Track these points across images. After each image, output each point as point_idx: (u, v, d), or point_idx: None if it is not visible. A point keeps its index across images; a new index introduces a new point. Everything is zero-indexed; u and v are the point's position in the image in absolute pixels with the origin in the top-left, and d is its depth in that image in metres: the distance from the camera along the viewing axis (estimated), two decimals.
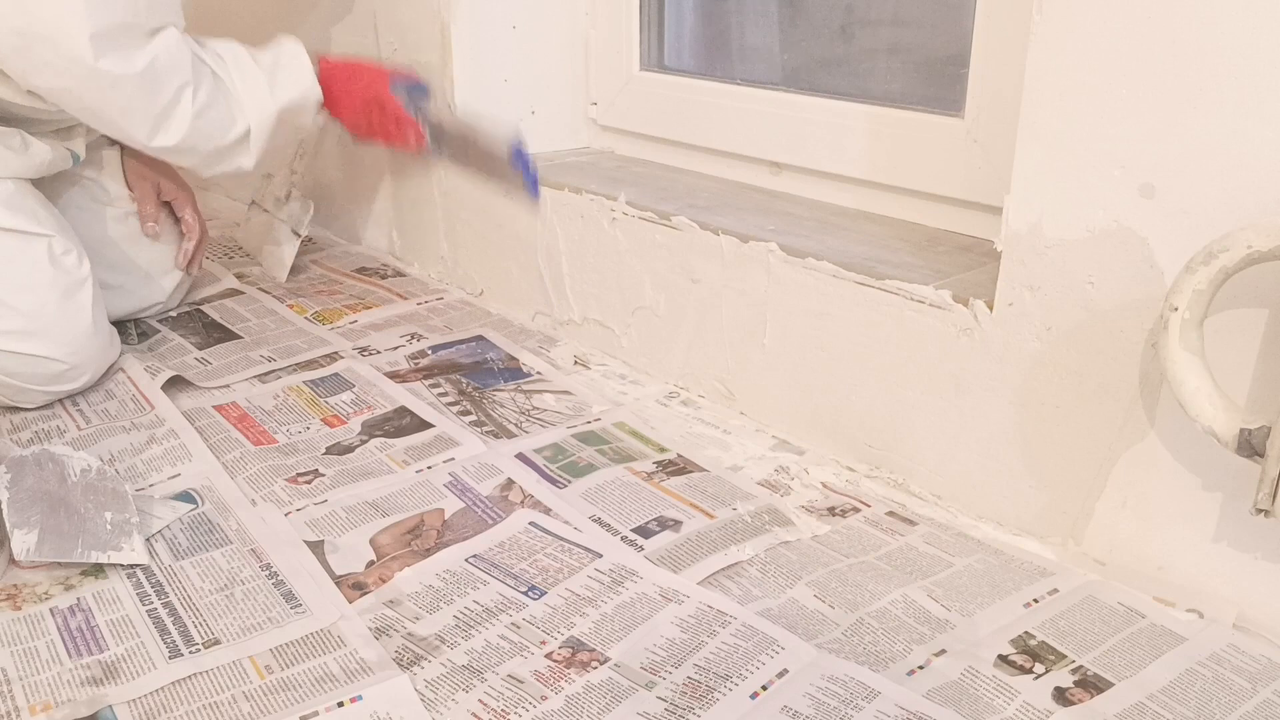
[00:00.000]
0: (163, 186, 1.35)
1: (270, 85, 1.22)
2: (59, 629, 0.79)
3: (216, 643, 0.77)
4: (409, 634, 0.78)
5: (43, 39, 1.03)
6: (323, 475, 1.00)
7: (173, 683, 0.73)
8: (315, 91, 1.27)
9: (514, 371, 1.23)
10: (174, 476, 1.00)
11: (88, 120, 1.15)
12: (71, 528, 0.86)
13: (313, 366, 1.24)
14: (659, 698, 0.72)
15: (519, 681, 0.74)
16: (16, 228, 1.11)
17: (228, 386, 1.19)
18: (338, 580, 0.85)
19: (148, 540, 0.89)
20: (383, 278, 1.54)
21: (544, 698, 0.72)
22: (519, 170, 1.26)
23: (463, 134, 1.32)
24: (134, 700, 0.72)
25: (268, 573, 0.86)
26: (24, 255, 1.11)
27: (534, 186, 1.27)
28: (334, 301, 1.44)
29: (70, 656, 0.76)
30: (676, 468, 1.01)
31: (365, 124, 1.34)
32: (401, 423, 1.11)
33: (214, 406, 1.14)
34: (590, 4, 1.41)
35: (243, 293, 1.48)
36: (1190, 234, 0.74)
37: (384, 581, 0.84)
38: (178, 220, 1.38)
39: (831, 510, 0.95)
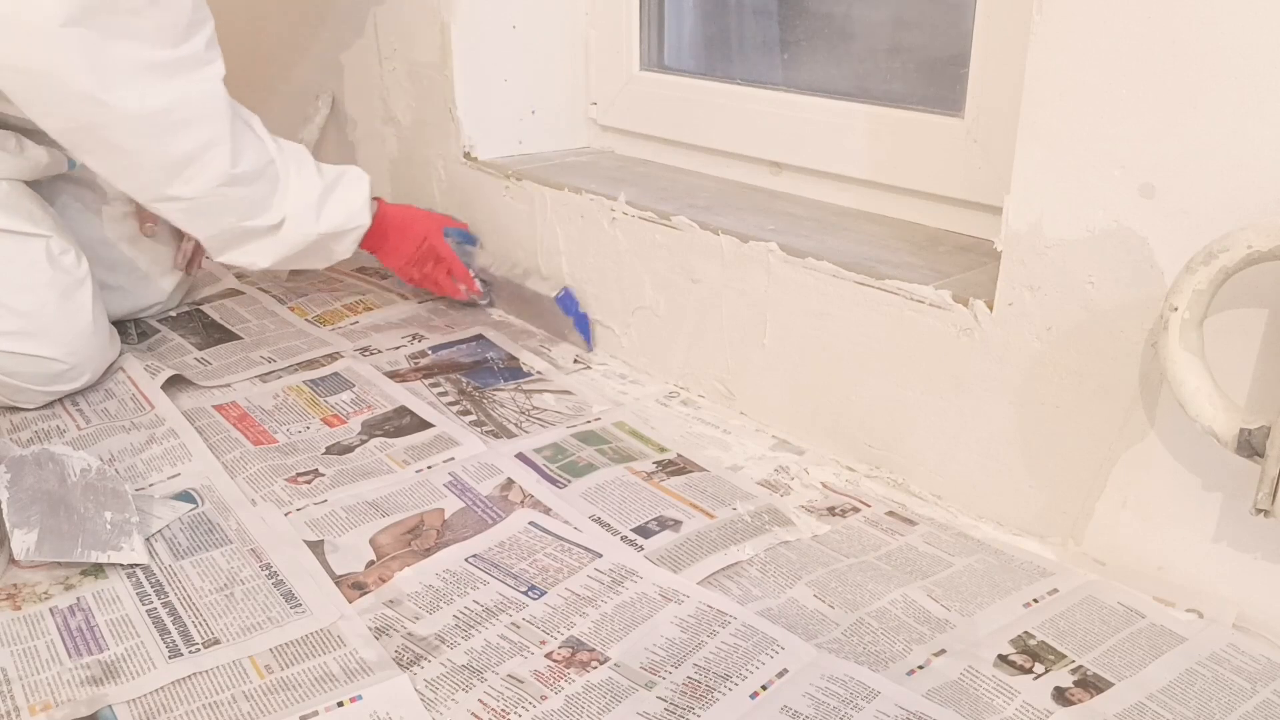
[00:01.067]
0: None
1: (323, 197, 1.19)
2: (59, 629, 0.79)
3: (216, 642, 0.77)
4: (409, 634, 0.78)
5: (45, 75, 0.98)
6: (323, 475, 1.00)
7: (172, 682, 0.73)
8: (364, 222, 1.24)
9: (514, 371, 1.23)
10: (174, 476, 1.00)
11: (105, 174, 1.10)
12: (71, 527, 0.86)
13: (313, 366, 1.24)
14: (659, 697, 0.72)
15: (519, 681, 0.74)
16: (13, 229, 1.11)
17: (228, 386, 1.19)
18: (338, 580, 0.85)
19: (147, 540, 0.89)
20: (383, 278, 1.53)
21: (544, 697, 0.72)
22: (569, 315, 1.28)
23: (512, 286, 1.35)
24: (134, 700, 0.72)
25: (267, 572, 0.86)
26: (22, 256, 1.11)
27: (585, 331, 1.29)
28: (334, 301, 1.44)
29: (70, 656, 0.76)
30: (676, 467, 1.01)
31: (418, 273, 1.35)
32: (401, 422, 1.11)
33: (214, 406, 1.14)
34: (590, 4, 1.41)
35: (243, 293, 1.48)
36: (1190, 234, 0.74)
37: (384, 581, 0.84)
38: None
39: (831, 510, 0.95)
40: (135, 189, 1.11)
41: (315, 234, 1.19)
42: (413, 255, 1.34)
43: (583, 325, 1.29)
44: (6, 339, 1.09)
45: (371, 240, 1.29)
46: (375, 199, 1.28)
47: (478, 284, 1.38)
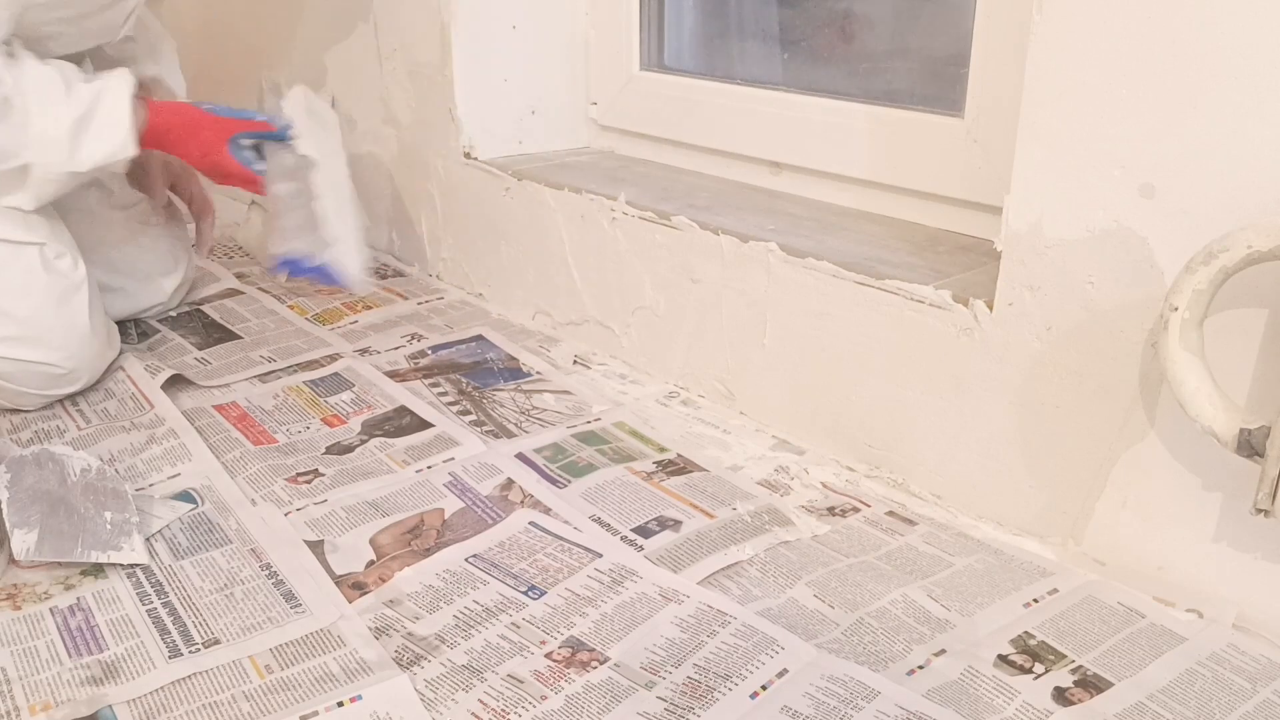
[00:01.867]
0: (170, 166, 1.34)
1: (74, 134, 1.07)
2: (59, 629, 0.79)
3: (216, 642, 0.77)
4: (409, 634, 0.78)
5: None
6: (323, 475, 1.00)
7: (173, 682, 0.73)
8: (127, 151, 1.11)
9: (514, 371, 1.23)
10: (174, 476, 1.00)
11: None
12: (71, 527, 0.86)
13: (313, 366, 1.24)
14: (659, 697, 0.72)
15: (519, 681, 0.74)
16: (7, 237, 1.10)
17: (228, 386, 1.19)
18: (338, 580, 0.85)
19: (147, 540, 0.89)
20: (383, 278, 1.54)
21: (544, 697, 0.72)
22: (304, 275, 1.20)
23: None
24: (134, 700, 0.72)
25: (267, 572, 0.86)
26: (17, 262, 1.11)
27: (326, 275, 1.20)
28: (334, 301, 1.44)
29: (70, 656, 0.76)
30: (676, 468, 1.01)
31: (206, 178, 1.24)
32: (401, 422, 1.11)
33: (214, 406, 1.14)
34: (590, 4, 1.41)
35: (243, 293, 1.48)
36: (1190, 234, 0.74)
37: (384, 581, 0.84)
38: (178, 212, 1.39)
39: (831, 510, 0.95)
40: None
41: (69, 173, 1.08)
42: (197, 166, 1.20)
43: (321, 271, 1.19)
44: (4, 345, 1.08)
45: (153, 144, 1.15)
46: (149, 102, 1.14)
47: (275, 188, 1.19)
